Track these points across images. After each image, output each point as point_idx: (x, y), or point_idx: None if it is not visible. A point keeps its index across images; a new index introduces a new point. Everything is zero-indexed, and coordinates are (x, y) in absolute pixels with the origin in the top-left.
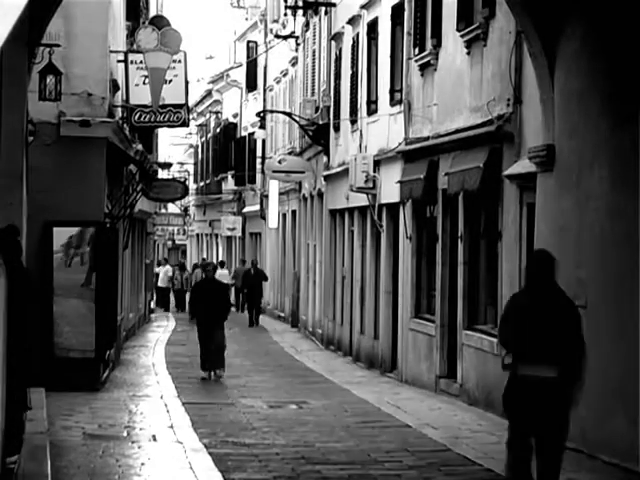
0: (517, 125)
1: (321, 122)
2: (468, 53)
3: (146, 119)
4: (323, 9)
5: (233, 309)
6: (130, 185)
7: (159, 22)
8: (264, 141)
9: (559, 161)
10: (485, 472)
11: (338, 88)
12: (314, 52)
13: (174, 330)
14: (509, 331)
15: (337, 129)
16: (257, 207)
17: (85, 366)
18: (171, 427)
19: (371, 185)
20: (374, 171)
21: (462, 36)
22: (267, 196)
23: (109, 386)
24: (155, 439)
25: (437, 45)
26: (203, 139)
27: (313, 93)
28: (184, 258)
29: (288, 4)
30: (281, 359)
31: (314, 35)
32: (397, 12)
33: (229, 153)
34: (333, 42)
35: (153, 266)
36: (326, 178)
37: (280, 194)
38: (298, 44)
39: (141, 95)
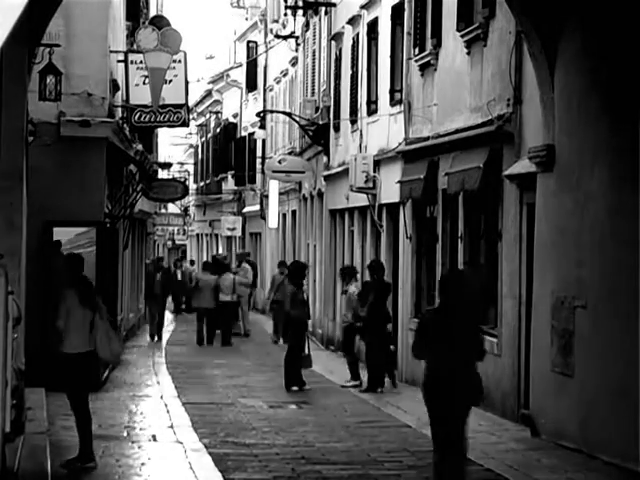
0: (517, 125)
1: (321, 122)
2: (468, 53)
3: (146, 119)
4: (323, 9)
5: None
6: (130, 185)
7: (159, 22)
8: (264, 141)
9: (559, 161)
10: (485, 472)
11: (338, 88)
12: (314, 52)
13: (174, 330)
14: None
15: (337, 129)
16: (257, 207)
17: None
18: (171, 427)
19: (371, 185)
20: (374, 171)
21: (462, 36)
22: (267, 196)
23: (109, 386)
24: (155, 439)
25: (437, 45)
26: (203, 139)
27: (313, 93)
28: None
29: (288, 4)
30: (281, 359)
31: (314, 35)
32: (397, 12)
33: (229, 153)
34: (333, 42)
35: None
36: (326, 178)
37: (280, 194)
38: (298, 44)
39: (141, 95)
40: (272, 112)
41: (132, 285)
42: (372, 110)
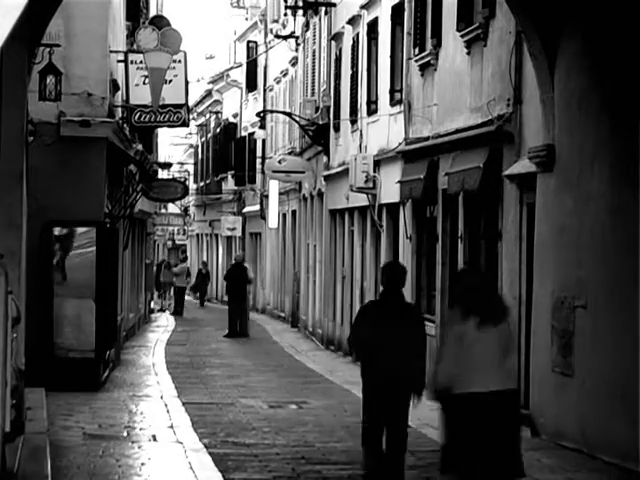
0: (517, 125)
1: (321, 122)
2: (468, 53)
3: (146, 119)
4: (323, 9)
5: None
6: (130, 185)
7: (159, 22)
8: (264, 141)
9: (559, 161)
10: None
11: (338, 88)
12: (314, 52)
13: (174, 330)
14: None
15: (337, 129)
16: (257, 207)
17: (85, 366)
18: (171, 427)
19: (371, 185)
20: (374, 171)
21: (462, 36)
22: (267, 196)
23: (109, 386)
24: (155, 439)
25: (437, 45)
26: (203, 139)
27: (313, 93)
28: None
29: (288, 4)
30: (281, 359)
31: (314, 35)
32: (397, 12)
33: (229, 153)
34: (333, 42)
35: (153, 266)
36: (326, 178)
37: (280, 194)
38: (298, 44)
39: (141, 95)
40: (272, 112)
41: (132, 285)
42: (372, 110)
